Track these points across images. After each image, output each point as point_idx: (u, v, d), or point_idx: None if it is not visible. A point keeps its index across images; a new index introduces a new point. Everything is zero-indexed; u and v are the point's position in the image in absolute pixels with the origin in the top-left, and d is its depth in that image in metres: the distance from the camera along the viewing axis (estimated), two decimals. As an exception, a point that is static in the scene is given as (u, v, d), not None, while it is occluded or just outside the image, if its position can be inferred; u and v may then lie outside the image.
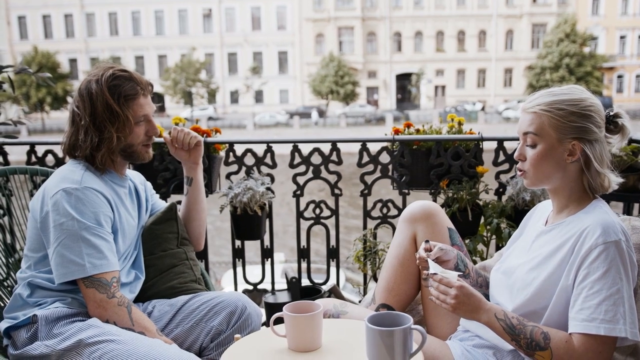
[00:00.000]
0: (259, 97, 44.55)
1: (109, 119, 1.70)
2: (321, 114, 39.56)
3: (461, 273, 1.48)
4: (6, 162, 2.85)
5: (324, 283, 2.86)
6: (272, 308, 2.45)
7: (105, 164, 1.73)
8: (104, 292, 1.60)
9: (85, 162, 1.75)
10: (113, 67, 1.75)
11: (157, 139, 2.64)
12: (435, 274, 1.43)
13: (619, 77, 43.21)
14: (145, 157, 1.84)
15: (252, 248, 3.03)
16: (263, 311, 2.57)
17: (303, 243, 2.88)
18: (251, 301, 1.86)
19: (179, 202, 2.14)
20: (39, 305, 1.64)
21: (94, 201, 1.65)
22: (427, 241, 1.58)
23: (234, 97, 45.51)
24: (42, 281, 1.66)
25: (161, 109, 43.88)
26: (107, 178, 1.77)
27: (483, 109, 39.61)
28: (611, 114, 1.50)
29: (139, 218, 1.92)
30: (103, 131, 1.70)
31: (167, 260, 1.96)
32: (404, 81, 45.10)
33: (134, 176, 1.98)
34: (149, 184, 2.07)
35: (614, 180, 1.46)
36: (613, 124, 1.49)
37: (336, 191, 2.78)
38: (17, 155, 3.00)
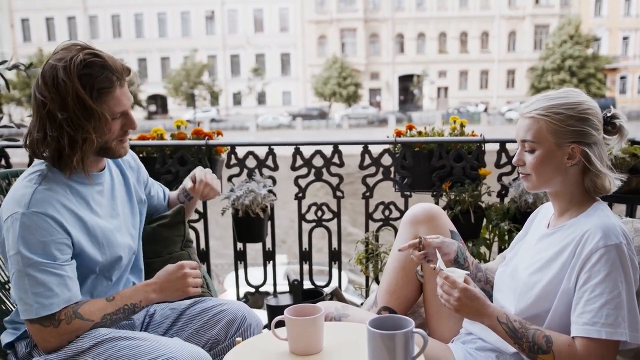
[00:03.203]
0: (261, 98, 44.58)
1: (82, 115, 1.44)
2: (323, 115, 39.58)
3: (468, 272, 1.48)
4: (8, 165, 2.86)
5: (326, 285, 2.86)
6: (274, 311, 2.45)
7: (76, 167, 1.51)
8: (49, 325, 1.44)
9: (45, 167, 1.52)
10: (83, 50, 1.48)
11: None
12: (441, 270, 1.43)
13: (622, 78, 43.12)
14: (121, 152, 1.62)
15: (252, 250, 3.03)
16: (265, 315, 2.56)
17: (305, 245, 2.88)
18: (252, 311, 1.81)
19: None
20: None
21: (42, 228, 1.43)
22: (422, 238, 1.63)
23: (237, 99, 45.55)
24: None
25: (164, 111, 43.94)
26: (71, 182, 1.54)
27: (486, 110, 39.64)
28: (608, 115, 1.49)
29: (131, 213, 1.75)
30: (78, 130, 1.45)
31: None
32: (406, 83, 45.08)
33: (118, 164, 1.75)
34: (142, 171, 1.88)
35: (615, 181, 1.46)
36: (611, 125, 1.49)
37: (338, 193, 2.78)
38: (20, 157, 3.00)
